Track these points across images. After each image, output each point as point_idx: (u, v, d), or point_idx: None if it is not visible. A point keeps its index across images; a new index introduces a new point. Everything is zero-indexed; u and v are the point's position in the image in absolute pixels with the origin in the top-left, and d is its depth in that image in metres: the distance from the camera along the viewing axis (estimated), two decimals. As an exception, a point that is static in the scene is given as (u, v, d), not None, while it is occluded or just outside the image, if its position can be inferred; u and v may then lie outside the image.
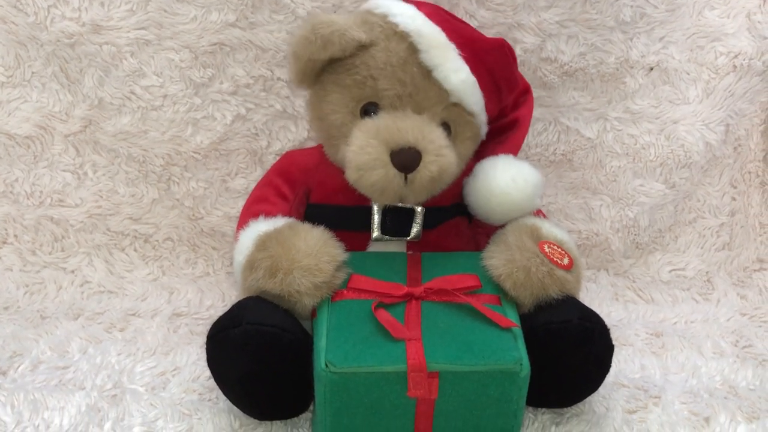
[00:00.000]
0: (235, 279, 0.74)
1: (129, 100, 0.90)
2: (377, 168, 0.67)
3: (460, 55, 0.71)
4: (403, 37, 0.71)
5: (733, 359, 0.82)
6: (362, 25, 0.71)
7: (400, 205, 0.74)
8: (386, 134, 0.68)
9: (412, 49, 0.70)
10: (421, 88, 0.71)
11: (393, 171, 0.67)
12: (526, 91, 0.82)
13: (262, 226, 0.72)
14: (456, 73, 0.71)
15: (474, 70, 0.72)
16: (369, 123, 0.70)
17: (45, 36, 0.88)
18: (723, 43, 0.95)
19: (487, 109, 0.75)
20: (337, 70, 0.73)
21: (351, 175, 0.69)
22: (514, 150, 0.78)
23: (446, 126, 0.73)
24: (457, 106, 0.72)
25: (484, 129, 0.77)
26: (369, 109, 0.72)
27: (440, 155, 0.69)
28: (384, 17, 0.72)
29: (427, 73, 0.71)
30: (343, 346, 0.61)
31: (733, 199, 1.02)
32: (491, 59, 0.73)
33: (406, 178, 0.68)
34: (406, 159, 0.67)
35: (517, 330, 0.65)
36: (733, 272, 1.01)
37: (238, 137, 0.93)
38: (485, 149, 0.80)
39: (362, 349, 0.61)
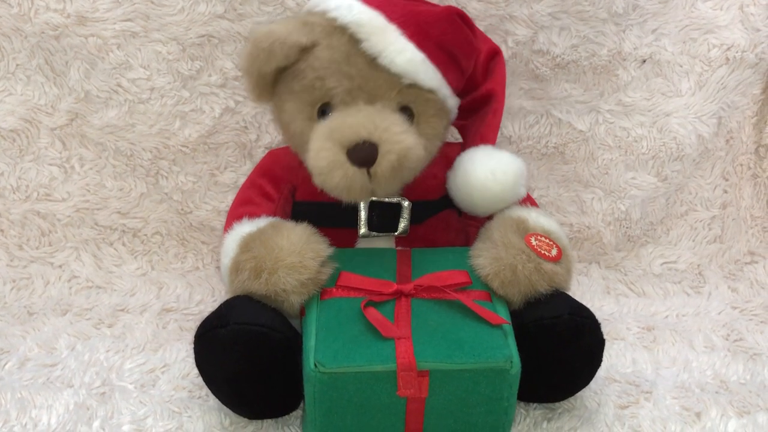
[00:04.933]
0: (223, 282, 0.74)
1: (116, 93, 0.89)
2: (336, 169, 0.66)
3: (403, 34, 0.69)
4: (342, 30, 0.69)
5: (724, 353, 0.82)
6: (302, 27, 0.70)
7: (386, 200, 0.73)
8: (338, 134, 0.67)
9: (354, 41, 0.69)
10: (369, 77, 0.69)
11: (352, 169, 0.66)
12: (495, 53, 0.79)
13: (245, 228, 0.71)
14: (401, 54, 0.68)
15: (421, 45, 0.69)
16: (322, 125, 0.69)
17: (29, 28, 0.87)
18: (716, 36, 0.94)
19: (449, 82, 0.73)
20: (287, 78, 0.72)
21: (316, 181, 0.69)
22: (493, 137, 0.76)
23: (406, 109, 0.71)
24: (413, 86, 0.70)
25: (452, 102, 0.74)
26: (325, 110, 0.71)
27: (396, 142, 0.67)
28: (323, 14, 0.70)
29: (372, 61, 0.69)
30: (332, 345, 0.61)
31: (725, 191, 1.02)
32: (438, 31, 0.70)
33: (368, 172, 0.67)
34: (361, 154, 0.66)
35: (508, 327, 0.64)
36: (724, 265, 1.01)
37: (227, 130, 0.92)
38: (467, 132, 0.79)
39: (352, 349, 0.60)
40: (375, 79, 0.69)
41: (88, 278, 0.93)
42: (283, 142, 0.85)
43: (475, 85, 0.78)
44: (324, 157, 0.67)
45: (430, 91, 0.71)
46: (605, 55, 0.93)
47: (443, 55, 0.71)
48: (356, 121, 0.67)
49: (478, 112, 0.78)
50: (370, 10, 0.69)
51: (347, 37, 0.69)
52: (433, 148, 0.74)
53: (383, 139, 0.66)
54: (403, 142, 0.67)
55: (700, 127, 0.96)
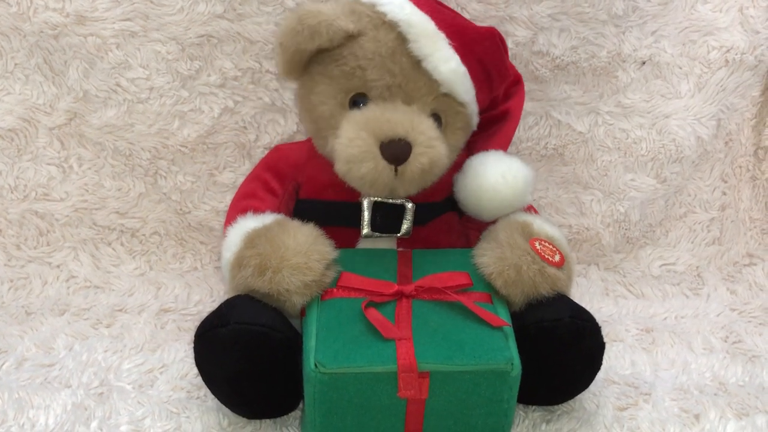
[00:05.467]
0: (223, 276, 0.74)
1: (115, 92, 0.89)
2: (367, 160, 0.66)
3: (450, 44, 0.70)
4: (391, 26, 0.70)
5: (723, 355, 0.82)
6: (350, 14, 0.70)
7: (390, 201, 0.73)
8: (375, 126, 0.67)
9: (401, 39, 0.69)
10: (411, 78, 0.70)
11: (383, 163, 0.67)
12: (518, 81, 0.81)
13: (250, 223, 0.71)
14: (446, 63, 0.70)
15: (464, 59, 0.71)
16: (358, 114, 0.69)
17: (28, 27, 0.86)
18: (715, 38, 0.94)
19: (478, 100, 0.74)
20: (325, 60, 0.71)
21: (340, 168, 0.68)
22: (504, 145, 0.78)
23: (436, 117, 0.72)
24: (448, 96, 0.71)
25: (475, 119, 0.76)
26: (358, 101, 0.71)
27: (430, 147, 0.68)
28: (372, 6, 0.71)
29: (416, 63, 0.70)
30: (332, 346, 0.61)
31: (724, 193, 1.02)
32: (481, 49, 0.72)
33: (396, 170, 0.67)
34: (396, 151, 0.66)
35: (508, 329, 0.64)
36: (723, 267, 1.01)
37: (226, 130, 0.92)
38: (476, 142, 0.79)
39: (352, 349, 0.60)
40: (416, 81, 0.70)
41: (86, 278, 0.93)
42: (301, 121, 0.84)
43: (494, 107, 0.80)
44: (357, 146, 0.67)
45: (462, 105, 0.73)
46: (605, 57, 0.93)
47: (481, 72, 0.73)
48: (395, 117, 0.67)
49: (489, 128, 0.79)
50: (421, 13, 0.70)
51: (395, 34, 0.69)
52: (452, 159, 0.75)
53: (418, 141, 0.67)
54: (436, 148, 0.68)
55: (699, 129, 0.96)
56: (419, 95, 0.70)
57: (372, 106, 0.70)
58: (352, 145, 0.67)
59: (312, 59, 0.72)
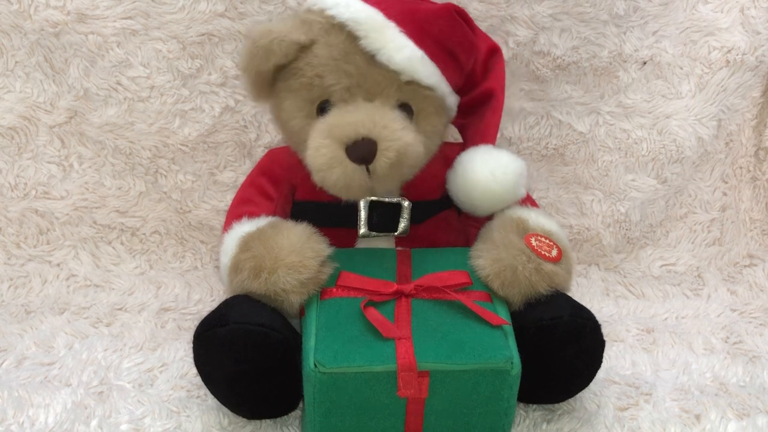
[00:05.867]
0: (222, 282, 0.74)
1: (115, 91, 0.89)
2: (335, 166, 0.66)
3: (401, 31, 0.69)
4: (341, 28, 0.69)
5: (723, 355, 0.82)
6: (301, 26, 0.70)
7: (386, 200, 0.73)
8: (337, 131, 0.67)
9: (352, 38, 0.69)
10: (368, 74, 0.69)
11: (351, 166, 0.66)
12: (494, 51, 0.79)
13: (245, 227, 0.71)
14: (400, 51, 0.69)
15: (419, 42, 0.69)
16: (321, 122, 0.69)
17: (29, 25, 0.86)
18: (716, 38, 0.94)
19: (449, 79, 0.73)
20: (286, 76, 0.72)
21: (315, 178, 0.69)
22: (492, 136, 0.76)
23: (406, 107, 0.71)
24: (412, 83, 0.70)
25: (451, 99, 0.74)
26: (324, 108, 0.71)
27: (395, 139, 0.67)
28: (321, 12, 0.70)
29: (371, 58, 0.69)
30: (332, 345, 0.60)
31: (724, 194, 1.02)
32: (436, 28, 0.70)
33: (368, 170, 0.67)
34: (361, 151, 0.66)
35: (508, 328, 0.64)
36: (723, 267, 1.01)
37: (226, 129, 0.92)
38: (466, 129, 0.79)
39: (352, 349, 0.60)
40: (373, 76, 0.69)
41: (86, 277, 0.93)
42: (283, 141, 0.85)
43: (475, 83, 0.78)
44: (323, 154, 0.67)
45: (429, 88, 0.71)
46: (606, 57, 0.93)
47: (442, 52, 0.71)
48: (355, 117, 0.67)
49: (477, 111, 0.78)
50: (368, 7, 0.69)
51: (345, 34, 0.69)
52: (432, 145, 0.74)
53: (382, 136, 0.66)
54: (401, 139, 0.67)
55: (700, 130, 0.96)
56: (379, 89, 0.70)
57: (334, 111, 0.69)
58: (319, 154, 0.67)
59: (275, 78, 0.72)
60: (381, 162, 0.66)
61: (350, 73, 0.69)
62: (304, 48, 0.70)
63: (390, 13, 0.69)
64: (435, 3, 0.74)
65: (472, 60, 0.76)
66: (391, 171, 0.67)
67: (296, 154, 0.76)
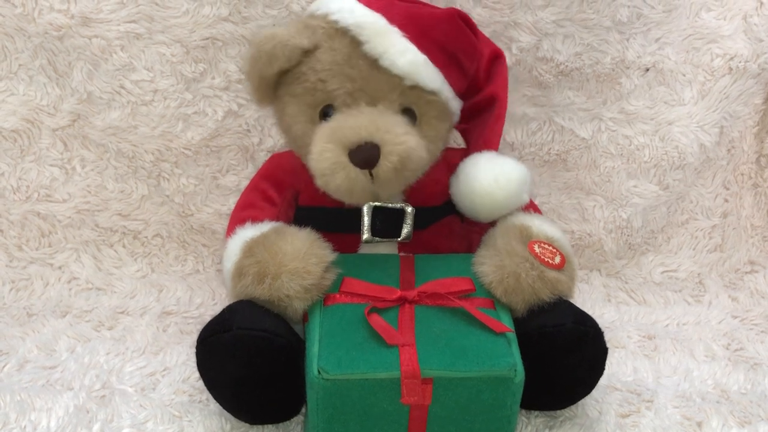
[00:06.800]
0: (225, 287, 0.74)
1: (119, 94, 0.89)
2: (338, 171, 0.66)
3: (404, 36, 0.69)
4: (344, 32, 0.69)
5: (725, 363, 0.82)
6: (304, 30, 0.70)
7: (390, 205, 0.73)
8: (340, 135, 0.67)
9: (356, 43, 0.69)
10: (371, 79, 0.69)
11: (354, 170, 0.66)
12: (497, 55, 0.79)
13: (248, 233, 0.71)
14: (402, 56, 0.69)
15: (422, 47, 0.70)
16: (324, 127, 0.69)
17: (32, 28, 0.86)
18: (719, 45, 0.95)
19: (452, 83, 0.73)
20: (288, 81, 0.72)
21: (318, 183, 0.69)
22: (495, 142, 0.76)
23: (409, 111, 0.71)
24: (415, 88, 0.70)
25: (454, 104, 0.74)
26: (327, 112, 0.71)
27: (399, 143, 0.67)
28: (325, 17, 0.70)
29: (373, 63, 0.69)
30: (335, 352, 0.60)
31: (726, 200, 1.02)
32: (440, 33, 0.71)
33: (371, 174, 0.67)
34: (364, 155, 0.66)
35: (512, 335, 0.64)
36: (724, 274, 1.01)
37: (229, 133, 0.92)
38: (470, 134, 0.79)
39: (355, 356, 0.60)
40: (376, 81, 0.69)
41: (88, 280, 0.93)
42: (286, 145, 0.85)
43: (478, 88, 0.78)
44: (326, 159, 0.67)
45: (432, 93, 0.71)
46: (609, 63, 0.93)
47: (445, 56, 0.71)
48: (358, 122, 0.67)
49: (480, 116, 0.78)
50: (371, 12, 0.70)
51: (349, 39, 0.69)
52: (435, 150, 0.74)
53: (385, 140, 0.66)
54: (404, 143, 0.67)
55: (702, 136, 0.96)
56: (383, 94, 0.70)
57: (337, 116, 0.69)
58: (322, 159, 0.67)
59: (278, 82, 0.72)
60: (384, 166, 0.66)
61: (353, 78, 0.69)
62: (307, 53, 0.70)
63: (393, 17, 0.70)
64: (438, 8, 0.74)
65: (475, 65, 0.76)
66: (394, 175, 0.67)
67: (299, 158, 0.76)
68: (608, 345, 0.69)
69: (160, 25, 0.87)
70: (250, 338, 0.62)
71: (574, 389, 0.69)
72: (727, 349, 0.85)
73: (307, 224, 0.71)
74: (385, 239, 0.74)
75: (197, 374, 0.67)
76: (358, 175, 0.66)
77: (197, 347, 0.65)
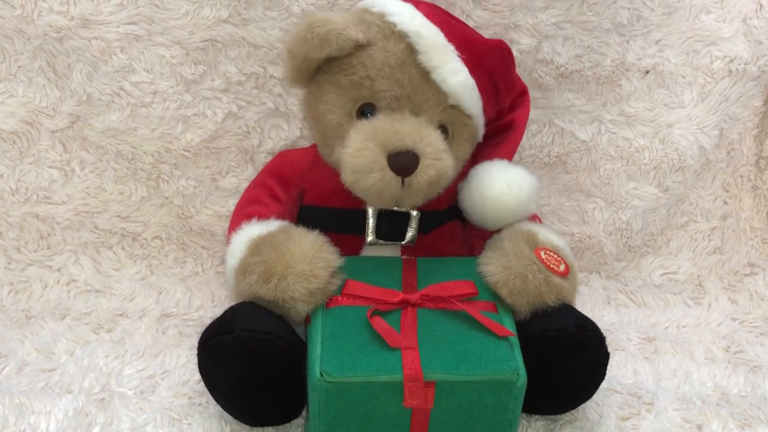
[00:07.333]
0: (227, 283, 0.73)
1: (118, 96, 0.88)
2: (374, 171, 0.66)
3: (459, 56, 0.70)
4: (401, 37, 0.69)
5: (724, 365, 0.82)
6: (359, 23, 0.70)
7: (395, 209, 0.73)
8: (383, 137, 0.67)
9: (411, 50, 0.69)
10: (420, 89, 0.70)
11: (390, 174, 0.66)
12: (523, 92, 0.81)
13: (255, 230, 0.71)
14: (455, 75, 0.70)
15: (473, 71, 0.71)
16: (366, 125, 0.69)
17: (32, 30, 0.86)
18: (719, 48, 0.95)
19: (485, 111, 0.74)
20: (334, 69, 0.71)
21: (347, 178, 0.68)
22: (509, 154, 0.78)
23: (443, 128, 0.72)
24: (455, 108, 0.71)
25: (481, 131, 0.76)
26: (366, 110, 0.71)
27: (438, 159, 0.68)
28: (381, 16, 0.70)
29: (425, 74, 0.70)
30: (338, 354, 0.60)
31: (725, 203, 1.03)
32: (490, 61, 0.72)
33: (403, 181, 0.67)
34: (403, 162, 0.66)
35: (514, 339, 0.64)
36: (724, 276, 1.01)
37: (229, 135, 0.92)
38: (481, 151, 0.79)
39: (358, 358, 0.60)
40: (424, 92, 0.70)
41: (87, 282, 0.92)
42: (308, 129, 0.84)
43: (500, 117, 0.80)
44: (365, 156, 0.66)
45: (469, 117, 0.73)
46: (608, 66, 0.93)
47: (489, 85, 0.73)
48: (404, 128, 0.67)
49: (493, 138, 0.79)
50: (431, 24, 0.70)
51: (405, 44, 0.69)
52: (459, 169, 0.75)
53: (426, 153, 0.67)
54: (443, 160, 0.68)
55: (701, 139, 0.96)
56: (427, 107, 0.70)
57: (380, 117, 0.69)
58: (360, 156, 0.67)
59: (320, 67, 0.72)
60: (420, 178, 0.67)
61: (403, 84, 0.69)
62: (359, 47, 0.69)
63: (451, 36, 0.70)
64: (486, 37, 0.75)
65: (509, 99, 0.78)
66: (427, 188, 0.68)
67: (308, 156, 0.76)
68: (608, 347, 0.69)
69: (160, 27, 0.86)
70: (252, 340, 0.62)
71: (575, 393, 0.69)
72: (727, 351, 0.85)
73: (312, 224, 0.71)
74: (389, 242, 0.74)
75: (197, 377, 0.67)
76: (392, 180, 0.66)
77: (199, 349, 0.64)
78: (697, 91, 0.95)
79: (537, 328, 0.66)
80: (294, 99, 0.90)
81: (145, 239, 0.95)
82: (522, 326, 0.67)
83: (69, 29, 0.85)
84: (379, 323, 0.62)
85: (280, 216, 0.74)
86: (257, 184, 0.78)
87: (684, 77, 0.95)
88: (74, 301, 0.90)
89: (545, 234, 0.73)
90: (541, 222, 0.80)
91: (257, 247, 0.68)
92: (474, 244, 0.79)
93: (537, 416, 0.71)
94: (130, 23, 0.86)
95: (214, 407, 0.69)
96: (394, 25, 0.70)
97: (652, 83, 0.95)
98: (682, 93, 0.96)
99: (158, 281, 0.94)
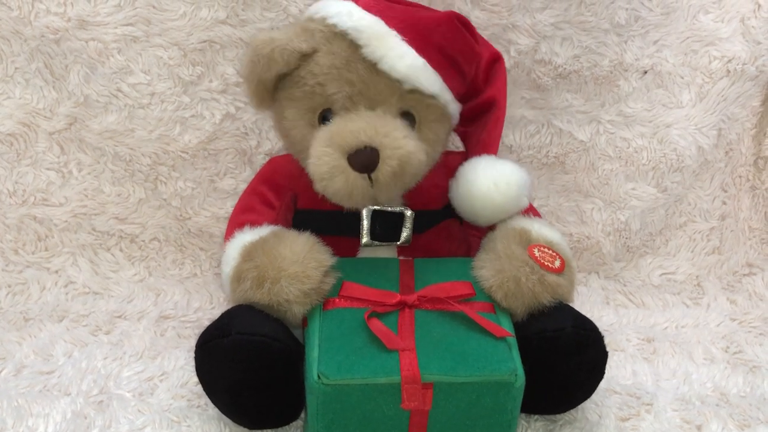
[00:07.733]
0: (224, 291, 0.73)
1: (116, 97, 0.88)
2: (337, 175, 0.66)
3: (403, 39, 0.69)
4: (342, 36, 0.69)
5: (723, 365, 0.82)
6: (302, 34, 0.70)
7: (389, 209, 0.73)
8: (339, 139, 0.67)
9: (354, 47, 0.69)
10: (370, 83, 0.69)
11: (353, 174, 0.66)
12: (496, 59, 0.79)
13: (247, 237, 0.71)
14: (402, 59, 0.69)
15: (421, 51, 0.70)
16: (323, 131, 0.69)
17: (29, 31, 0.86)
18: (717, 48, 0.95)
19: (451, 87, 0.73)
20: (287, 85, 0.72)
21: (317, 187, 0.68)
22: (494, 146, 0.76)
23: (408, 115, 0.71)
24: (414, 92, 0.70)
25: (453, 107, 0.74)
26: (326, 116, 0.71)
27: (398, 147, 0.67)
28: (323, 21, 0.70)
29: (373, 66, 0.69)
30: (335, 357, 0.60)
31: (724, 203, 1.03)
32: (439, 36, 0.70)
33: (370, 178, 0.67)
34: (363, 159, 0.66)
35: (512, 339, 0.64)
36: (722, 276, 1.01)
37: (227, 137, 0.92)
38: (469, 137, 0.79)
39: (355, 360, 0.60)
40: (376, 85, 0.69)
41: (85, 284, 0.92)
42: (284, 149, 0.85)
43: (477, 91, 0.78)
44: (325, 163, 0.66)
45: (432, 97, 0.71)
46: (607, 66, 0.93)
47: (444, 59, 0.71)
48: (357, 126, 0.67)
49: (480, 119, 0.78)
50: (370, 16, 0.69)
51: (347, 42, 0.69)
52: (434, 153, 0.74)
53: (384, 144, 0.66)
54: (404, 147, 0.67)
55: (700, 139, 0.96)
56: (382, 98, 0.70)
57: (336, 120, 0.69)
58: (321, 163, 0.67)
59: (277, 86, 0.72)
60: (383, 170, 0.66)
61: (352, 82, 0.69)
62: (306, 57, 0.70)
63: (391, 21, 0.69)
64: (437, 11, 0.74)
65: (474, 68, 0.76)
66: (393, 179, 0.67)
67: (298, 161, 0.76)
68: (607, 348, 0.69)
69: (158, 28, 0.86)
70: (249, 343, 0.62)
71: (574, 393, 0.69)
72: (726, 351, 0.85)
73: (306, 228, 0.71)
74: (384, 243, 0.74)
75: (195, 379, 0.67)
76: (357, 179, 0.66)
77: (196, 352, 0.64)
78: (696, 91, 0.95)
79: (535, 329, 0.66)
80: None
81: (143, 241, 0.95)
82: (520, 327, 0.67)
83: (66, 31, 0.85)
84: (376, 325, 0.62)
85: (274, 222, 0.74)
86: (250, 192, 0.78)
87: (682, 77, 0.95)
88: (72, 303, 0.90)
89: (538, 229, 0.73)
90: (537, 213, 0.79)
91: (249, 253, 0.68)
92: (472, 242, 0.79)
93: (536, 417, 0.71)
94: (127, 24, 0.86)
95: (212, 409, 0.69)
96: (335, 26, 0.69)
97: (650, 83, 0.95)
98: (681, 93, 0.96)
99: (156, 283, 0.93)
